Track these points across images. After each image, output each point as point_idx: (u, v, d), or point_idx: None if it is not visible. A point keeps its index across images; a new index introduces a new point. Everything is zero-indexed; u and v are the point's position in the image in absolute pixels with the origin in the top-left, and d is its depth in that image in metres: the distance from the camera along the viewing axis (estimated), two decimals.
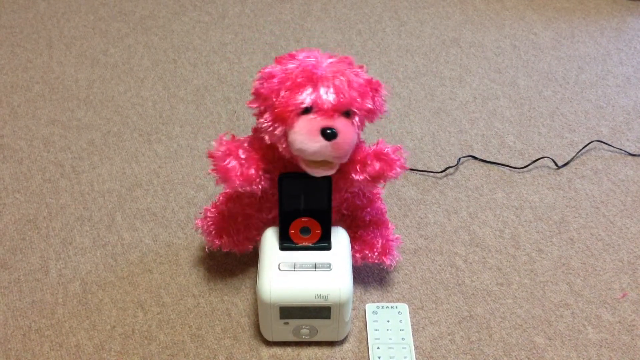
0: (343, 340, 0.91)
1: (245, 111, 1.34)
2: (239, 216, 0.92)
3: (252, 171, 0.82)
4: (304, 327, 0.87)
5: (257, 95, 0.81)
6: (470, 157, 1.23)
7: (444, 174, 1.19)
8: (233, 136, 0.85)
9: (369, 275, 1.00)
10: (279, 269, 0.84)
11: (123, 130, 1.29)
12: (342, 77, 0.79)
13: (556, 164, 1.21)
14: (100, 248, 1.05)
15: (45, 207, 1.12)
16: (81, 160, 1.21)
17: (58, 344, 0.91)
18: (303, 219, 0.86)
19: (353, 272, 0.88)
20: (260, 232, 0.92)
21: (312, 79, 0.78)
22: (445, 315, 0.95)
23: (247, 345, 0.91)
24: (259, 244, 0.92)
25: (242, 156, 0.82)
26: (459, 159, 1.22)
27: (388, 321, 0.92)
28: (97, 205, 1.12)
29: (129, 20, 1.63)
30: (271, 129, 0.80)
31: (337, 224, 0.92)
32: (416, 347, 0.90)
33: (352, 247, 0.93)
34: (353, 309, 0.94)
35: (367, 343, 0.90)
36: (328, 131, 0.77)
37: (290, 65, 0.80)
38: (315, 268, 0.84)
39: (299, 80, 0.78)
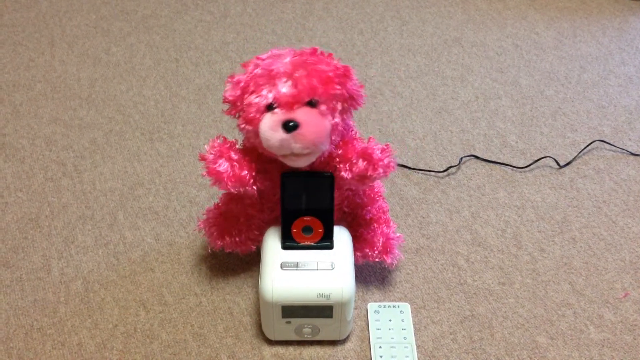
0: (345, 339, 0.91)
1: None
2: (240, 217, 0.92)
3: (245, 172, 0.83)
4: (306, 326, 0.87)
5: (227, 102, 0.84)
6: (472, 157, 1.23)
7: (446, 173, 1.19)
8: (225, 139, 0.86)
9: (371, 274, 1.00)
10: (281, 268, 0.84)
11: (125, 129, 1.29)
12: (300, 70, 0.80)
13: (558, 164, 1.21)
14: (102, 247, 1.05)
15: (47, 205, 1.12)
16: (83, 159, 1.22)
17: (60, 342, 0.91)
18: (305, 218, 0.86)
19: (355, 271, 0.88)
20: (262, 232, 0.92)
21: (271, 77, 0.80)
22: (447, 315, 0.95)
23: (249, 344, 0.91)
24: (261, 244, 0.92)
25: (234, 157, 0.84)
26: (461, 158, 1.22)
27: (390, 320, 0.92)
28: (99, 204, 1.12)
29: (131, 19, 1.63)
30: (245, 131, 0.83)
31: (338, 222, 0.92)
32: (418, 347, 0.90)
33: (353, 246, 0.93)
34: (355, 308, 0.94)
35: (369, 342, 0.90)
36: (290, 124, 0.78)
37: (253, 69, 0.82)
38: (318, 267, 0.84)
39: (260, 81, 0.80)
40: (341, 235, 0.89)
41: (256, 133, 0.81)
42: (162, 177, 1.18)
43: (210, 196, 1.13)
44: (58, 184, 1.16)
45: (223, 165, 0.82)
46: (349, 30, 1.60)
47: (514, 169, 1.20)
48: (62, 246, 1.05)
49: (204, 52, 1.52)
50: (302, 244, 0.87)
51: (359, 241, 0.94)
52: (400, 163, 1.21)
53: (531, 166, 1.21)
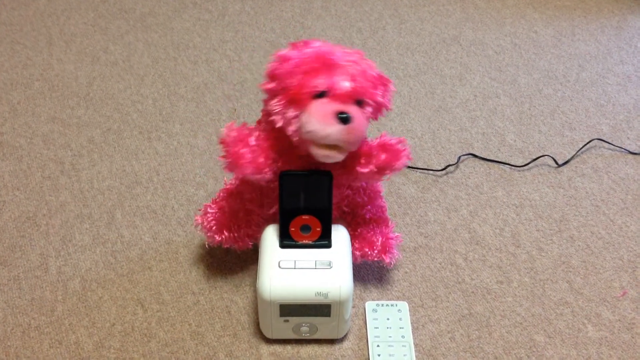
0: (343, 338, 0.91)
1: (245, 109, 1.34)
2: (240, 212, 0.92)
3: (262, 159, 0.82)
4: (304, 325, 0.87)
5: (272, 76, 0.81)
6: (470, 155, 1.23)
7: (444, 172, 1.19)
8: (244, 123, 0.84)
9: (369, 273, 1.00)
10: (279, 266, 0.84)
11: (123, 128, 1.28)
12: (357, 66, 0.80)
13: (556, 162, 1.21)
14: (100, 245, 1.04)
15: (44, 204, 1.12)
16: (81, 157, 1.21)
17: (57, 341, 0.91)
18: (303, 217, 0.86)
19: (353, 270, 0.88)
20: (261, 228, 0.92)
21: (328, 65, 0.79)
22: (445, 313, 0.95)
23: (247, 342, 0.91)
24: (259, 241, 0.92)
25: (253, 143, 0.82)
26: (459, 157, 1.22)
27: (388, 319, 0.92)
28: (96, 202, 1.12)
29: (129, 17, 1.63)
30: (283, 111, 0.80)
31: (337, 221, 0.92)
32: (416, 345, 0.90)
33: (352, 245, 0.93)
34: (353, 307, 0.94)
35: (367, 341, 0.90)
36: (343, 115, 0.77)
37: (307, 50, 0.81)
38: (316, 266, 0.84)
39: (315, 65, 0.79)
40: (339, 234, 0.89)
41: (295, 116, 0.79)
42: (160, 176, 1.18)
43: (208, 195, 1.13)
44: (56, 182, 1.16)
45: (243, 149, 0.81)
46: (347, 28, 1.60)
47: (512, 167, 1.20)
48: (59, 245, 1.05)
49: (202, 50, 1.51)
50: (300, 242, 0.87)
51: (359, 240, 0.94)
52: None
53: (529, 165, 1.21)
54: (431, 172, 1.19)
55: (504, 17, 1.66)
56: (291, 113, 0.80)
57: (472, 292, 0.98)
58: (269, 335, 0.90)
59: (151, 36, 1.56)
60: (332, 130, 0.78)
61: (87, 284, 0.98)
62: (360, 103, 0.81)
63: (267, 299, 0.83)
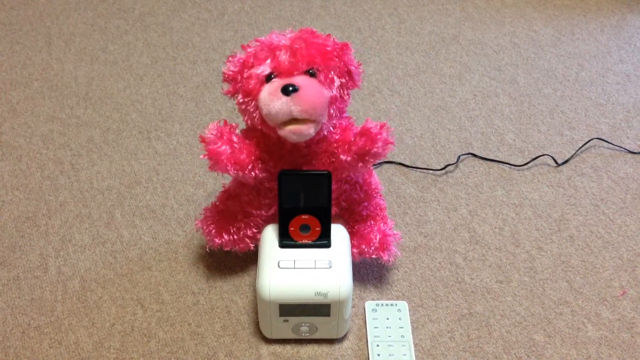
0: (342, 337, 0.91)
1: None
2: (238, 214, 0.92)
3: (244, 156, 0.83)
4: (304, 325, 0.87)
5: (227, 79, 0.85)
6: (470, 155, 1.23)
7: (443, 171, 1.19)
8: (225, 122, 0.85)
9: (369, 272, 1.00)
10: (279, 266, 0.84)
11: (122, 128, 1.28)
12: (300, 41, 0.82)
13: (556, 162, 1.21)
14: (100, 245, 1.04)
15: (44, 204, 1.12)
16: (80, 157, 1.21)
17: (57, 341, 0.91)
18: (303, 217, 0.86)
19: (353, 269, 0.88)
20: (260, 230, 0.92)
21: (271, 49, 0.82)
22: (444, 313, 0.95)
23: (247, 342, 0.91)
24: (259, 243, 0.92)
25: (235, 140, 0.84)
26: (459, 156, 1.22)
27: (387, 319, 0.92)
28: (96, 202, 1.12)
29: (128, 17, 1.63)
30: (245, 107, 0.83)
31: (335, 217, 0.91)
32: (416, 345, 0.90)
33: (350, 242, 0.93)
34: (353, 307, 0.94)
35: (367, 341, 0.90)
36: (289, 88, 0.79)
37: (252, 45, 0.84)
38: (315, 265, 0.84)
39: (260, 55, 0.82)
40: (339, 234, 0.89)
41: (256, 107, 0.82)
42: (159, 176, 1.17)
43: (207, 194, 1.13)
44: (55, 182, 1.16)
45: (223, 147, 0.82)
46: (346, 28, 1.60)
47: (512, 167, 1.20)
48: (59, 245, 1.04)
49: (202, 50, 1.51)
50: (300, 242, 0.87)
51: (356, 237, 0.94)
52: (398, 161, 1.21)
53: (529, 164, 1.21)
54: (431, 171, 1.19)
55: (504, 16, 1.66)
56: (251, 106, 0.82)
57: (472, 291, 0.98)
58: (268, 335, 0.90)
59: (150, 36, 1.56)
60: (280, 104, 0.79)
61: (86, 284, 0.98)
62: (311, 73, 0.81)
63: (266, 298, 0.83)
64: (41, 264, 1.01)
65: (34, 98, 1.36)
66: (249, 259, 1.01)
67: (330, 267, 0.84)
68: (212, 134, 0.82)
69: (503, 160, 1.22)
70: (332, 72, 0.83)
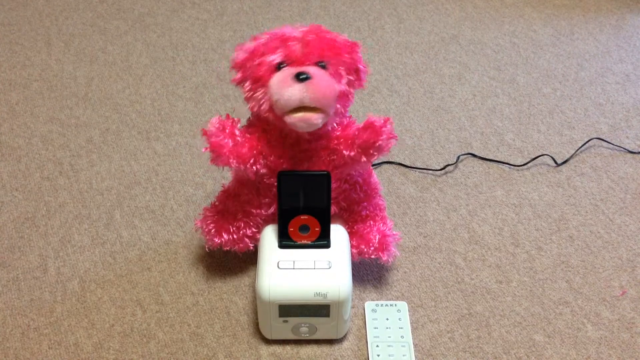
0: (342, 338, 0.91)
1: (244, 108, 1.34)
2: (238, 213, 0.92)
3: (245, 150, 0.83)
4: (303, 325, 0.87)
5: (236, 67, 0.85)
6: (469, 155, 1.23)
7: (443, 171, 1.19)
8: (228, 115, 0.86)
9: (368, 273, 1.00)
10: (278, 267, 0.84)
11: (122, 128, 1.28)
12: (312, 34, 0.83)
13: (555, 162, 1.21)
14: (99, 246, 1.04)
15: (43, 205, 1.12)
16: (80, 158, 1.21)
17: (57, 342, 0.91)
18: (302, 217, 0.86)
19: (352, 270, 0.88)
20: (260, 230, 0.92)
21: (283, 40, 0.83)
22: (444, 313, 0.95)
23: (246, 343, 0.91)
24: (258, 243, 0.91)
25: (237, 133, 0.84)
26: (458, 156, 1.22)
27: (387, 319, 0.92)
28: (95, 203, 1.12)
29: (128, 17, 1.63)
30: (253, 94, 0.83)
31: (334, 218, 0.91)
32: (415, 345, 0.90)
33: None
34: (352, 307, 0.94)
35: (367, 341, 0.90)
36: (300, 75, 0.79)
37: (263, 37, 0.85)
38: (315, 266, 0.84)
39: (271, 45, 0.83)
40: (338, 234, 0.89)
41: (264, 94, 0.82)
42: (158, 176, 1.17)
43: (207, 195, 1.13)
44: (54, 183, 1.16)
45: (225, 140, 0.82)
46: (346, 28, 1.60)
47: (512, 167, 1.20)
48: (58, 245, 1.04)
49: (201, 50, 1.51)
50: (299, 242, 0.87)
51: (355, 237, 0.94)
52: (398, 161, 1.21)
53: (528, 164, 1.21)
54: (430, 171, 1.19)
55: (503, 16, 1.66)
56: (259, 93, 0.82)
57: (472, 291, 0.98)
58: (268, 335, 0.90)
59: (150, 36, 1.56)
60: (292, 90, 0.79)
61: (86, 285, 0.98)
62: (322, 66, 0.82)
63: (266, 299, 0.83)
64: (40, 264, 1.01)
65: (33, 99, 1.36)
66: (248, 260, 1.01)
67: (330, 267, 0.84)
68: (214, 127, 0.83)
69: (502, 160, 1.22)
70: (341, 68, 0.83)
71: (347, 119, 0.89)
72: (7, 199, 1.13)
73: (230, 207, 0.92)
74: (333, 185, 0.88)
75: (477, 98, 1.37)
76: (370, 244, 0.93)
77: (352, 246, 0.93)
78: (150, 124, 1.30)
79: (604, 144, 1.25)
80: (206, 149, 0.83)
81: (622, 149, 1.24)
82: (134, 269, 1.01)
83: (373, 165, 1.16)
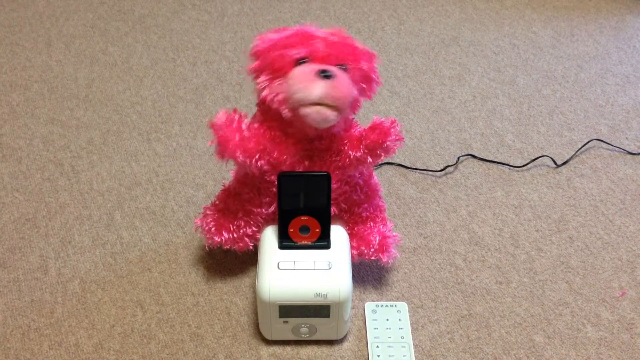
0: (342, 339, 0.91)
1: (245, 110, 1.34)
2: (239, 212, 0.92)
3: (252, 144, 0.83)
4: (303, 326, 0.87)
5: (256, 55, 0.85)
6: (469, 156, 1.23)
7: (443, 172, 1.19)
8: (235, 110, 0.85)
9: (369, 274, 1.00)
10: (278, 267, 0.84)
11: (122, 129, 1.28)
12: (335, 37, 0.84)
13: (555, 163, 1.21)
14: (100, 247, 1.04)
15: (44, 206, 1.12)
16: (80, 159, 1.21)
17: (57, 342, 0.91)
18: (302, 218, 0.86)
19: (352, 270, 0.88)
20: (260, 229, 0.92)
21: (307, 37, 0.84)
22: (444, 314, 0.95)
23: (247, 344, 0.91)
24: (258, 243, 0.92)
25: (244, 128, 0.84)
26: (458, 157, 1.22)
27: (387, 320, 0.92)
28: (96, 204, 1.12)
29: (128, 19, 1.63)
30: (270, 84, 0.83)
31: (334, 219, 0.92)
32: (415, 346, 0.90)
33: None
34: (352, 308, 0.94)
35: (367, 342, 0.90)
36: (325, 72, 0.80)
37: (286, 31, 0.85)
38: (315, 267, 0.84)
39: (293, 40, 0.83)
40: (338, 235, 0.89)
41: (281, 85, 0.82)
42: (159, 177, 1.18)
43: (207, 196, 1.13)
44: (55, 184, 1.16)
45: (232, 133, 0.82)
46: (346, 29, 1.59)
47: (511, 168, 1.20)
48: (59, 246, 1.05)
49: (202, 51, 1.51)
50: (299, 243, 0.87)
51: (355, 239, 0.94)
52: (398, 162, 1.21)
53: (528, 165, 1.21)
54: (430, 172, 1.19)
55: (503, 17, 1.66)
56: (277, 83, 0.82)
57: (472, 292, 0.98)
58: (268, 336, 0.90)
59: (150, 37, 1.56)
60: (316, 86, 0.79)
61: (86, 286, 0.99)
62: (343, 68, 0.83)
63: (266, 300, 0.83)
64: (41, 265, 1.02)
65: (34, 100, 1.36)
66: (248, 260, 1.01)
67: (330, 268, 0.84)
68: (221, 120, 0.83)
69: (502, 161, 1.22)
70: (358, 74, 0.84)
71: (350, 120, 0.89)
72: (7, 200, 1.13)
73: (231, 206, 0.92)
74: (334, 187, 0.88)
75: (477, 99, 1.38)
76: (371, 246, 0.93)
77: (352, 247, 0.93)
78: (151, 125, 1.30)
79: (604, 145, 1.26)
80: (212, 142, 0.83)
81: (622, 150, 1.25)
82: (134, 270, 1.01)
83: (375, 167, 1.17)
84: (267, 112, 0.86)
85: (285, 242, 0.87)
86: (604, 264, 1.03)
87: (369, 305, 0.94)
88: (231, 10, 1.67)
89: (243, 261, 1.01)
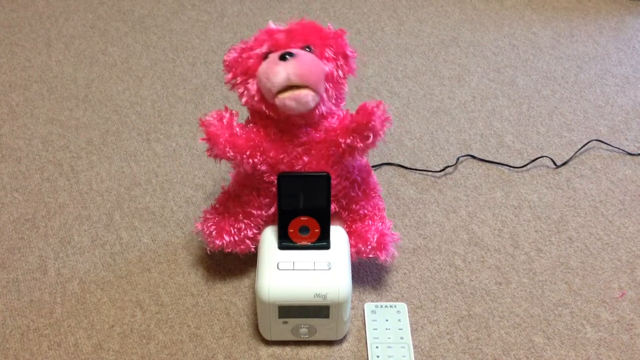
0: (342, 339, 0.91)
1: (244, 110, 1.34)
2: (239, 214, 0.92)
3: (242, 141, 0.84)
4: (303, 327, 0.87)
5: (228, 67, 0.87)
6: (469, 157, 1.23)
7: (442, 173, 1.19)
8: (226, 107, 0.87)
9: (368, 274, 1.00)
10: (278, 268, 0.84)
11: (122, 130, 1.28)
12: (297, 25, 0.86)
13: (555, 164, 1.21)
14: (99, 247, 1.04)
15: (43, 206, 1.12)
16: (80, 159, 1.21)
17: (56, 343, 0.91)
18: (302, 218, 0.86)
19: (352, 271, 0.88)
20: (261, 231, 0.92)
21: (269, 33, 0.86)
22: (444, 315, 0.95)
23: (246, 344, 0.91)
24: (258, 244, 0.92)
25: (234, 125, 0.85)
26: (458, 158, 1.22)
27: (387, 320, 0.92)
28: (95, 204, 1.12)
29: (128, 19, 1.63)
30: (244, 86, 0.85)
31: (334, 218, 0.91)
32: (415, 347, 0.90)
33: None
34: (352, 308, 0.94)
35: (366, 342, 0.90)
36: (286, 55, 0.81)
37: (252, 37, 0.88)
38: (314, 267, 0.84)
39: (259, 39, 0.86)
40: (338, 236, 0.89)
41: (254, 85, 0.83)
42: (158, 178, 1.18)
43: (207, 196, 1.13)
44: (54, 184, 1.16)
45: (222, 130, 0.83)
46: (346, 30, 1.60)
47: (511, 168, 1.20)
48: (58, 247, 1.04)
49: (201, 52, 1.51)
50: (299, 244, 0.87)
51: (353, 236, 0.94)
52: (397, 163, 1.21)
53: (528, 166, 1.21)
54: (430, 173, 1.19)
55: (503, 18, 1.66)
56: (249, 84, 0.84)
57: (471, 293, 0.98)
58: (267, 337, 0.90)
59: (150, 38, 1.56)
60: (278, 69, 0.80)
61: (85, 286, 0.98)
62: (308, 49, 0.84)
63: (265, 300, 0.83)
64: (40, 265, 1.01)
65: (33, 100, 1.36)
66: (248, 261, 1.01)
67: (330, 268, 0.84)
68: (212, 117, 0.84)
69: (502, 162, 1.22)
70: (328, 50, 0.85)
71: (345, 112, 0.90)
72: (7, 200, 1.13)
73: (231, 208, 0.92)
74: (333, 182, 0.88)
75: (476, 100, 1.38)
76: (368, 243, 0.93)
77: (350, 245, 0.93)
78: (150, 125, 1.30)
79: (603, 145, 1.26)
80: (203, 138, 0.84)
81: (622, 151, 1.25)
82: (133, 270, 1.01)
83: (373, 166, 1.17)
84: (256, 115, 0.88)
85: (285, 242, 0.87)
86: (603, 264, 1.03)
87: (368, 306, 0.94)
88: (231, 11, 1.67)
89: (242, 262, 1.01)
